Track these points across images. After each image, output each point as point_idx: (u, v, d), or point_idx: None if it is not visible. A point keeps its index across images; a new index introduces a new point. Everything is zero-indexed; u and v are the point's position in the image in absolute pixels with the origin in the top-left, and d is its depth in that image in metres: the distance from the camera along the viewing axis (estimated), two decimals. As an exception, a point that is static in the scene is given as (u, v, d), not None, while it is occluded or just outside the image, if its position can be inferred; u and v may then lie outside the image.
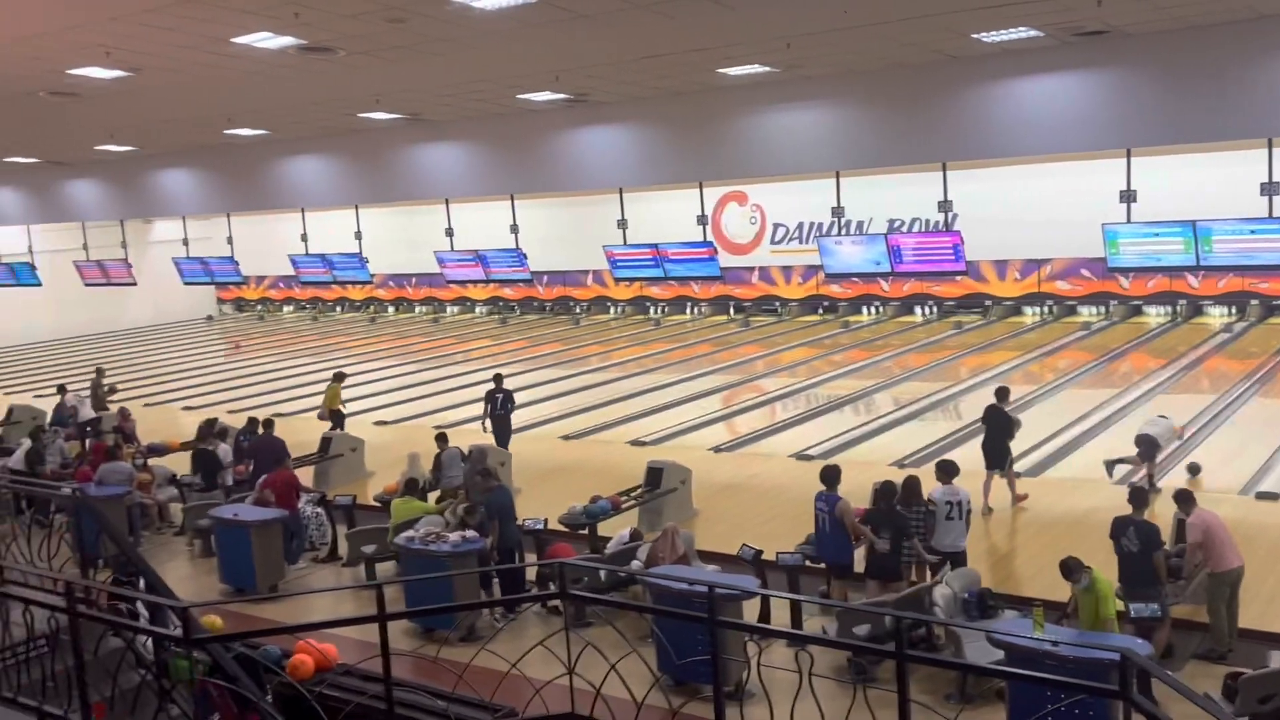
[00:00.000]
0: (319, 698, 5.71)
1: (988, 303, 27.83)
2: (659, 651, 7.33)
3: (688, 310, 32.23)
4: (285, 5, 8.00)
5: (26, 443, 14.87)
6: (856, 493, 10.10)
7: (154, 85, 11.10)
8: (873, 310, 29.68)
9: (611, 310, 33.49)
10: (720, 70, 11.52)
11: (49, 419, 17.68)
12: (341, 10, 8.28)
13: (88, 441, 16.53)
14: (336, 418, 17.10)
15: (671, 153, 13.47)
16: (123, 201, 19.42)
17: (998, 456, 12.14)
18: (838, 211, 13.66)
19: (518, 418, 16.09)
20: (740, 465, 14.94)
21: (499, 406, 15.74)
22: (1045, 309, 27.33)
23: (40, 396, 22.02)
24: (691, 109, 12.94)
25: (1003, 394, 12.65)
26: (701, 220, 15.01)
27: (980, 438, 12.47)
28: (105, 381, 20.21)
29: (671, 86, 12.46)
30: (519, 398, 16.50)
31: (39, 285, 22.33)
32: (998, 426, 12.21)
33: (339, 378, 17.76)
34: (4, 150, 17.29)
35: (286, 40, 9.22)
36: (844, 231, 14.58)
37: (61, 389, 18.76)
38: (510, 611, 10.02)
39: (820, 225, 28.09)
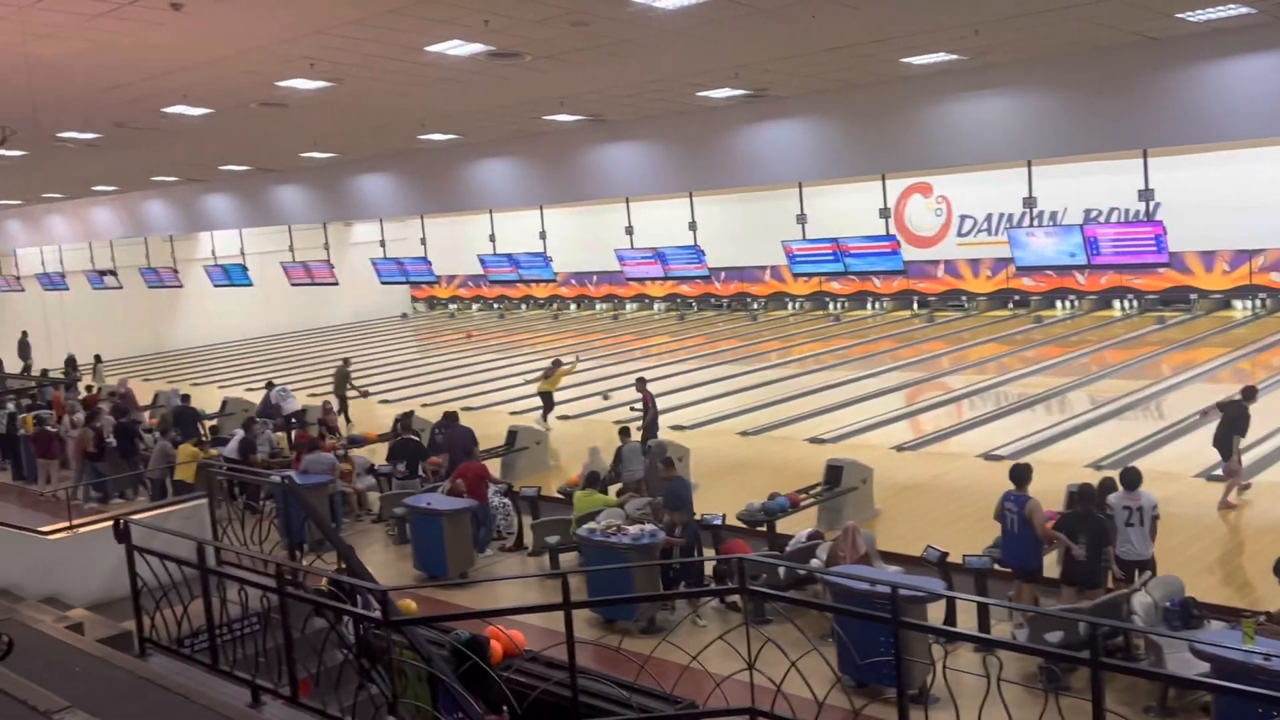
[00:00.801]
0: (507, 682, 5.91)
1: (1193, 296, 26.23)
2: (840, 651, 7.25)
3: (868, 305, 31.66)
4: (476, 14, 8.29)
5: (240, 433, 15.89)
6: (1049, 495, 9.71)
7: (354, 94, 11.68)
8: (1067, 304, 28.44)
9: (790, 306, 33.24)
10: (904, 60, 11.26)
11: (257, 410, 18.87)
12: (528, 16, 8.51)
13: (292, 433, 17.57)
14: (547, 401, 18.07)
15: (853, 145, 13.26)
16: (325, 205, 20.51)
17: (1221, 450, 11.97)
18: (1029, 202, 13.16)
19: (697, 412, 16.18)
20: (924, 464, 14.59)
21: (651, 410, 15.98)
22: (1257, 302, 25.56)
23: (251, 390, 23.54)
24: (873, 100, 12.70)
25: (1249, 393, 12.34)
26: (884, 213, 14.70)
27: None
28: (351, 375, 21.22)
29: (852, 78, 12.27)
30: (698, 393, 16.55)
31: (250, 285, 23.80)
32: (1227, 419, 12.01)
33: (558, 364, 18.87)
34: (221, 159, 18.53)
35: (476, 47, 9.54)
36: (1036, 223, 14.01)
37: (269, 384, 19.96)
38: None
39: (1010, 216, 27.12)
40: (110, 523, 7.36)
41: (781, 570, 9.59)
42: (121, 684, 5.57)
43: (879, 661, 6.50)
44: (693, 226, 16.17)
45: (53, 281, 27.92)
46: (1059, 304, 28.53)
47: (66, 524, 9.81)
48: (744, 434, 17.15)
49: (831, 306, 32.16)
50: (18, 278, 29.60)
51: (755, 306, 33.48)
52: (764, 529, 11.38)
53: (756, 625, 7.12)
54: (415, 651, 6.59)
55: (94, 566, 8.35)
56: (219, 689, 5.96)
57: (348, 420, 19.72)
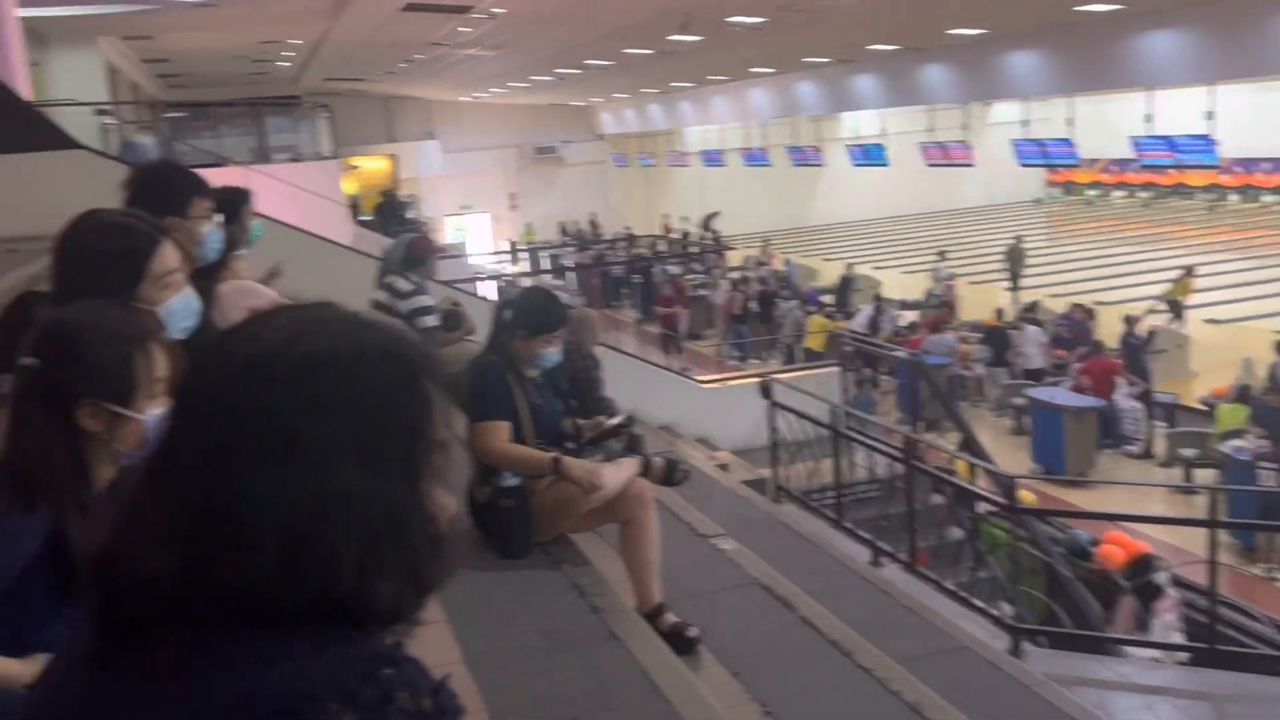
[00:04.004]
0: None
1: None
2: None
3: None
4: None
5: (868, 309, 16.56)
6: None
7: (1012, -35, 11.19)
8: None
9: None
10: None
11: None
12: None
13: (920, 311, 17.92)
14: (1176, 309, 16.72)
15: None
16: (968, 85, 20.09)
17: None
18: None
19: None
20: None
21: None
22: None
23: (879, 269, 24.25)
24: None
25: None
26: None
27: None
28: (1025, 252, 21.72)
29: None
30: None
31: (887, 165, 24.29)
32: None
33: (1189, 271, 17.50)
34: (870, 38, 18.89)
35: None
36: None
37: (941, 254, 20.75)
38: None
39: None
40: (755, 379, 8.11)
41: None
42: (760, 523, 6.17)
43: None
44: None
45: (712, 159, 30.81)
46: None
47: (718, 376, 11.04)
48: None
49: None
50: (684, 154, 33.10)
51: None
52: None
53: None
54: (1033, 543, 6.53)
55: (738, 416, 9.30)
56: (842, 543, 6.38)
57: (1016, 297, 19.61)
